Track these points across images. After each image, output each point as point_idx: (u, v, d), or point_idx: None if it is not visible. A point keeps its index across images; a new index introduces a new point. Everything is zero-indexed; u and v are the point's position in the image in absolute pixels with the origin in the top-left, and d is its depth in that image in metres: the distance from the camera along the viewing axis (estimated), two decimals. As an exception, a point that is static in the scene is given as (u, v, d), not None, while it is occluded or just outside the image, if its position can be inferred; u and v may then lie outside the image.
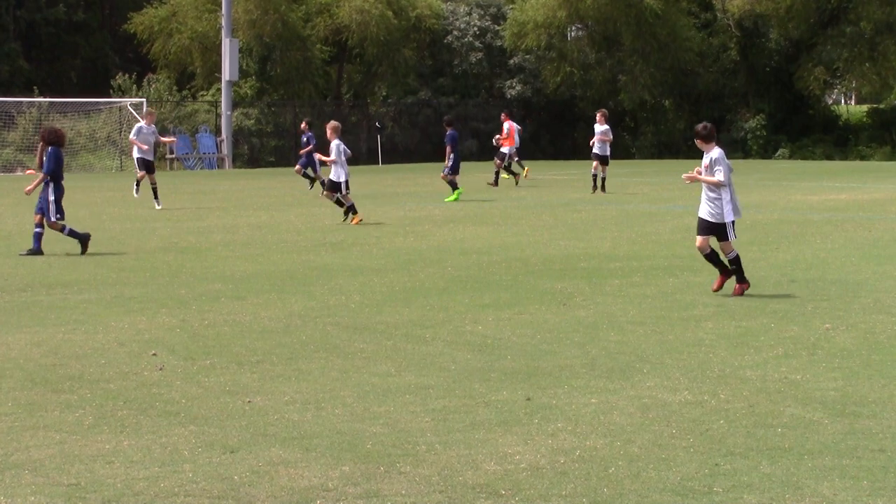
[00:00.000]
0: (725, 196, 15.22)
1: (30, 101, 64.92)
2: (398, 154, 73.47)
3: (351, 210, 27.21)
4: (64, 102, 65.72)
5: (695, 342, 12.08)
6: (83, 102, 66.27)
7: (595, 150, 37.65)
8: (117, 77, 70.88)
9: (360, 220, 26.72)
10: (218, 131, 66.86)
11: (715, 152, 15.15)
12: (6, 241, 23.05)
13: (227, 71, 64.93)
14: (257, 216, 29.41)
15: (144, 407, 9.39)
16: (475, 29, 77.00)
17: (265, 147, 71.13)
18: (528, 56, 77.03)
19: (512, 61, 77.88)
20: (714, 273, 15.78)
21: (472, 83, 78.93)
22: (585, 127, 77.10)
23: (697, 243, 15.47)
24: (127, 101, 66.31)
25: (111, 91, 70.02)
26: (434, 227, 25.89)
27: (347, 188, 27.13)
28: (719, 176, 15.15)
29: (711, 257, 15.52)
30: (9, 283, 16.79)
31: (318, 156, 32.50)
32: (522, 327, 13.06)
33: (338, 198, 27.32)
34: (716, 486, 7.32)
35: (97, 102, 67.08)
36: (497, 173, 42.56)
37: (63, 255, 20.36)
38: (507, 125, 43.18)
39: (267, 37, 71.10)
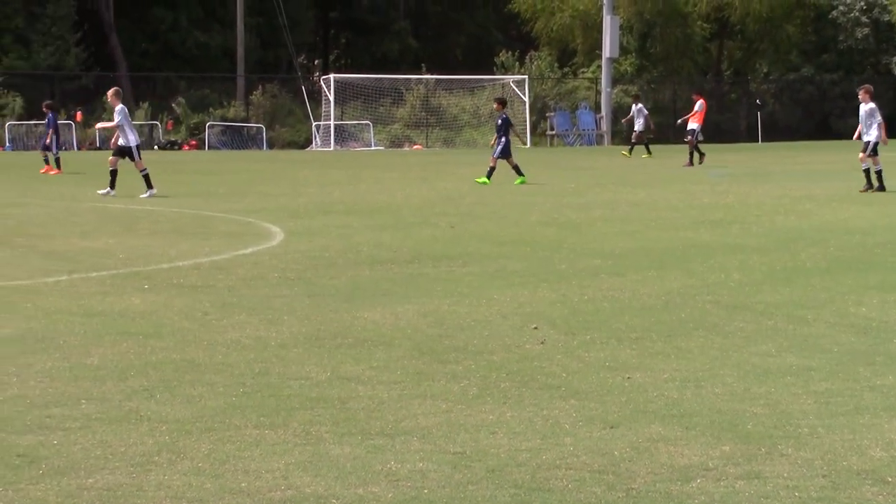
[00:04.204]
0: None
1: (417, 78, 66.95)
2: (778, 132, 72.09)
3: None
4: (449, 79, 67.43)
5: None
6: (467, 79, 67.81)
7: (867, 138, 28.76)
8: (500, 54, 72.20)
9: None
10: (598, 108, 67.23)
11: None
12: (395, 215, 23.84)
13: (608, 48, 65.19)
14: (635, 193, 29.43)
15: (526, 380, 9.58)
16: (862, 3, 74.69)
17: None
18: (918, 31, 74.24)
19: (900, 36, 75.22)
20: None
21: (857, 59, 76.67)
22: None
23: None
24: (509, 77, 67.49)
25: (494, 68, 71.37)
26: (816, 206, 25.32)
27: (139, 155, 27.52)
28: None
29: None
30: (398, 256, 17.38)
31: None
32: (910, 311, 12.65)
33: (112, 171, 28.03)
34: None
35: (481, 79, 68.53)
36: (691, 152, 43.21)
37: (447, 229, 20.90)
38: (700, 103, 44.18)
39: (647, 13, 71.02)
